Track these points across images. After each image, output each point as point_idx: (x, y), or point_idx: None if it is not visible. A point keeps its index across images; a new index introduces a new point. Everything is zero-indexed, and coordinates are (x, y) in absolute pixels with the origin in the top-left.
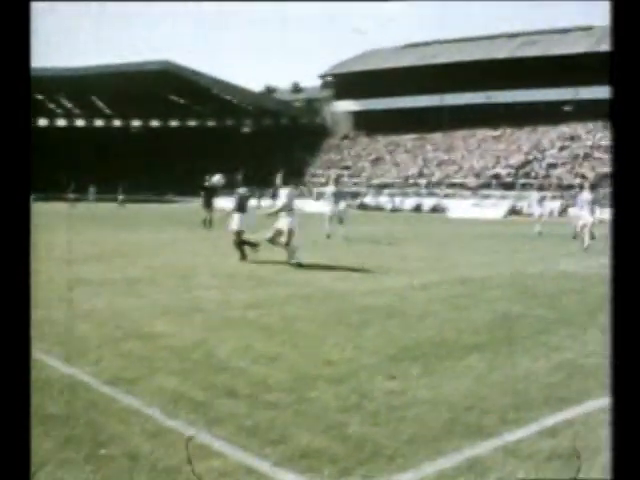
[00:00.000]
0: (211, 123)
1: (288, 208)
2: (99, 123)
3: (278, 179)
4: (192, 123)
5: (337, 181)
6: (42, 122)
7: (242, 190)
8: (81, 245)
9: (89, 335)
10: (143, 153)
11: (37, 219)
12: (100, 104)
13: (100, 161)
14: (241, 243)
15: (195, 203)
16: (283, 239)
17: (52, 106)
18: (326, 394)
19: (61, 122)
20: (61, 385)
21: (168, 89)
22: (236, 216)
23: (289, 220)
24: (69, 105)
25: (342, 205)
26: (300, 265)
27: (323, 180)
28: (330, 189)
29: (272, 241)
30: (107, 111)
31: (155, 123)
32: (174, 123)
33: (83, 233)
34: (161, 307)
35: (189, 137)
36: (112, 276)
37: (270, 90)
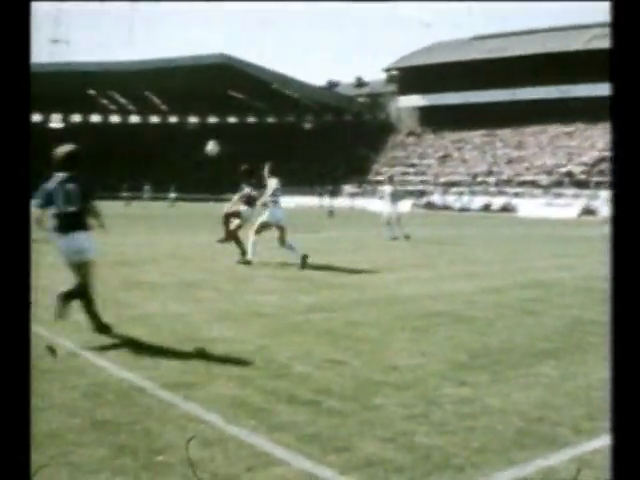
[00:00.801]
0: (271, 119)
1: (273, 200)
2: (154, 120)
3: (266, 170)
4: (251, 119)
5: (392, 180)
6: (95, 118)
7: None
8: (135, 246)
9: (144, 339)
10: (200, 151)
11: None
12: (155, 100)
13: (155, 158)
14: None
15: None
16: (273, 233)
17: (105, 102)
18: (391, 401)
19: (115, 118)
20: (116, 390)
21: (226, 84)
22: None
23: (277, 215)
24: (123, 101)
25: (399, 205)
26: (304, 263)
27: (381, 178)
28: (387, 189)
29: (258, 232)
30: (163, 107)
31: (212, 119)
32: (232, 119)
33: (138, 234)
34: (219, 311)
35: (248, 134)
36: (167, 279)
37: (332, 85)
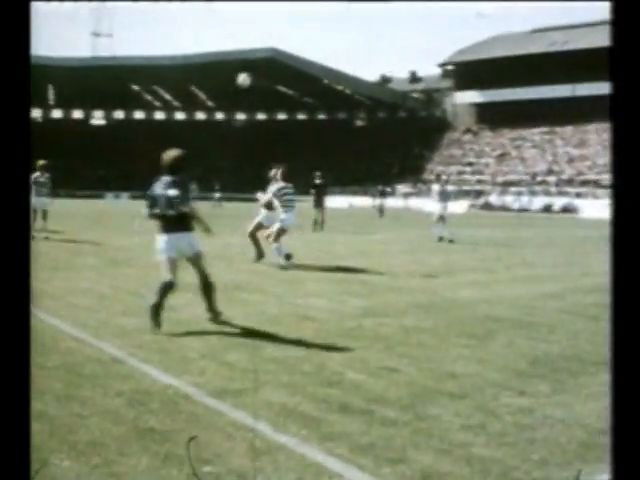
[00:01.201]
0: (322, 116)
1: (287, 204)
2: (200, 116)
3: (276, 173)
4: (301, 116)
5: (440, 179)
6: (139, 115)
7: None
8: None
9: (190, 344)
10: (248, 149)
11: (135, 221)
12: (201, 96)
13: (201, 157)
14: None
15: (305, 202)
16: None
17: (149, 98)
18: (448, 411)
19: (159, 115)
20: (161, 397)
21: (275, 79)
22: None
23: (292, 221)
24: (168, 97)
25: (448, 204)
26: (285, 267)
27: (432, 177)
28: (435, 188)
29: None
30: (209, 103)
31: (261, 116)
32: (281, 116)
33: None
34: (267, 315)
35: (298, 131)
36: (214, 282)
37: (386, 80)
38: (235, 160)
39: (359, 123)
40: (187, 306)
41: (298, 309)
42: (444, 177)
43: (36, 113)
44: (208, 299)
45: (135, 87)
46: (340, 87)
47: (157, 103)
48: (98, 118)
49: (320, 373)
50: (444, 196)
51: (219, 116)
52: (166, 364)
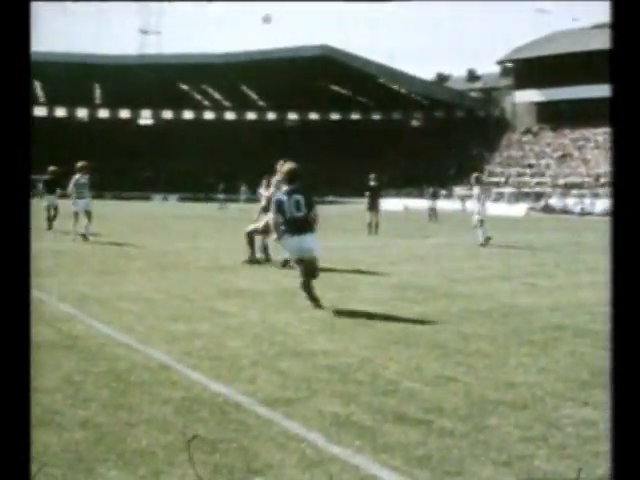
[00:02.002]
0: (376, 116)
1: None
2: (251, 116)
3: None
4: (355, 116)
5: (479, 181)
6: (187, 115)
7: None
8: (230, 251)
9: (241, 351)
10: (300, 149)
11: (183, 224)
12: (252, 95)
13: (251, 157)
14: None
15: (358, 205)
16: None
17: (198, 97)
18: (507, 422)
19: (209, 115)
20: (211, 405)
21: (328, 78)
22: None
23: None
24: (218, 96)
25: (487, 207)
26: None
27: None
28: (475, 190)
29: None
30: (260, 103)
31: (313, 116)
32: (335, 116)
33: (233, 238)
34: (320, 322)
35: (351, 131)
36: (266, 286)
37: (442, 78)
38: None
39: (415, 123)
40: (239, 312)
41: (352, 315)
42: (478, 177)
43: (82, 113)
44: (308, 291)
45: (184, 86)
46: (395, 86)
47: (206, 102)
48: (146, 118)
49: (375, 382)
50: (484, 198)
51: (270, 116)
52: (216, 371)
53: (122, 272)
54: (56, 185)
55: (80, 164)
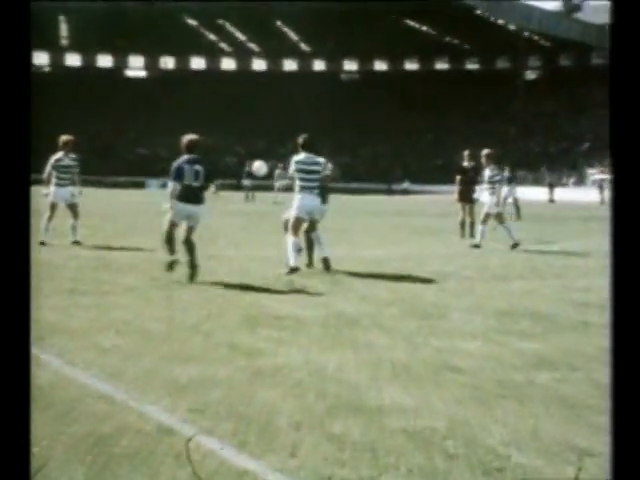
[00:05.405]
0: (472, 64)
1: (303, 184)
2: (290, 66)
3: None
4: (441, 65)
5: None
6: (197, 63)
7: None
8: (261, 261)
9: (276, 407)
10: (360, 115)
11: None
12: (292, 36)
13: (288, 127)
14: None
15: (443, 196)
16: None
17: (214, 38)
18: None
19: (228, 63)
20: None
21: (403, 11)
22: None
23: (306, 206)
24: (241, 37)
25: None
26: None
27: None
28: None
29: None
30: (303, 47)
31: (380, 66)
32: (411, 65)
33: (266, 242)
34: (391, 364)
35: (436, 87)
36: (311, 312)
37: (571, 8)
38: (344, 130)
39: (530, 75)
40: (273, 349)
41: (438, 355)
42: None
43: (41, 59)
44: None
45: (192, 22)
46: (501, 21)
47: (224, 46)
48: (136, 68)
49: (472, 454)
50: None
51: (318, 66)
52: (241, 437)
53: (106, 291)
54: None
55: (64, 138)
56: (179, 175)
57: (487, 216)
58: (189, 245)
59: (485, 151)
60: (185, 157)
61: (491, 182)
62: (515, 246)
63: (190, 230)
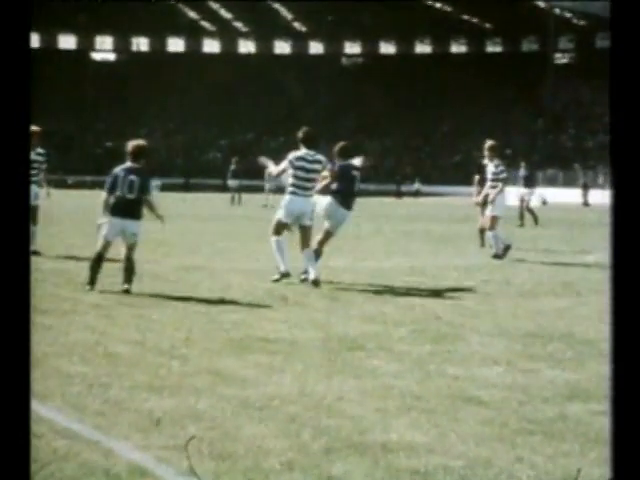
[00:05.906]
0: (495, 47)
1: (296, 186)
2: (282, 48)
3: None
4: (459, 48)
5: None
6: (175, 45)
7: None
8: (249, 275)
9: (267, 445)
10: (365, 104)
11: (170, 228)
12: (285, 14)
13: (281, 118)
14: None
15: (462, 198)
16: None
17: (194, 16)
18: None
19: (211, 45)
20: None
21: None
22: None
23: (294, 209)
24: (227, 15)
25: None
26: (315, 283)
27: None
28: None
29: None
30: (297, 26)
31: (388, 48)
32: (424, 48)
33: (257, 252)
34: (400, 395)
35: (453, 72)
36: (308, 334)
37: None
38: (344, 122)
39: (561, 58)
40: (263, 377)
41: (454, 384)
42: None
43: None
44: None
45: None
46: None
47: (206, 25)
48: (104, 50)
49: None
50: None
51: (315, 48)
52: (225, 479)
53: (67, 310)
54: None
55: (32, 129)
56: (113, 185)
57: (494, 220)
58: (129, 266)
59: (488, 143)
60: (125, 165)
61: (495, 180)
62: (497, 257)
63: (130, 249)
